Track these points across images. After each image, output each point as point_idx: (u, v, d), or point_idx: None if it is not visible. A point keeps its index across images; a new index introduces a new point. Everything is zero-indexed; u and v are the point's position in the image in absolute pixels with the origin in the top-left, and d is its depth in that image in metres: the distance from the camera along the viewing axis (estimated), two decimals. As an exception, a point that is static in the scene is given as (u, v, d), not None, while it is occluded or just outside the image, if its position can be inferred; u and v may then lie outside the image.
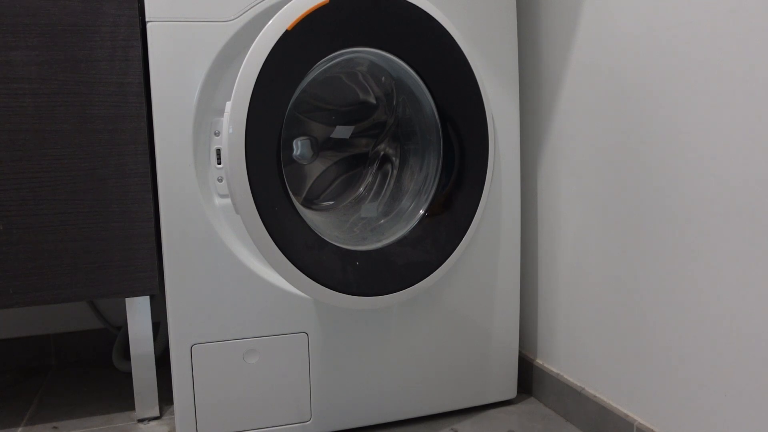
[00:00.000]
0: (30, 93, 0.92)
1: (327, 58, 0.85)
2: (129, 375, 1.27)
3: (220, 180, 0.91)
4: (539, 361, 1.10)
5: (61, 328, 1.38)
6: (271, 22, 0.80)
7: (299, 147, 1.01)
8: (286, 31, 0.81)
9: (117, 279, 0.98)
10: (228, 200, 0.91)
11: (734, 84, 0.69)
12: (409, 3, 0.88)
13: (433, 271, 0.93)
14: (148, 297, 1.03)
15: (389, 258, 0.90)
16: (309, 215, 0.95)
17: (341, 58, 0.91)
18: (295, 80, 0.82)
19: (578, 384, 1.00)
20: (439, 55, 0.91)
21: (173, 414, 1.06)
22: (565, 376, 1.03)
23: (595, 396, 0.96)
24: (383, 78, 1.00)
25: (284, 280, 0.88)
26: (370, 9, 0.86)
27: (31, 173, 0.93)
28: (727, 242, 0.71)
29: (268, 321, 0.93)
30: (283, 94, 0.82)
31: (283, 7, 0.82)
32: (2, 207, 0.93)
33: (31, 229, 0.94)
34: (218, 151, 0.91)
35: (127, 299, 1.03)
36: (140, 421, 1.05)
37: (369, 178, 1.05)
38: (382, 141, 1.04)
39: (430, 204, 0.95)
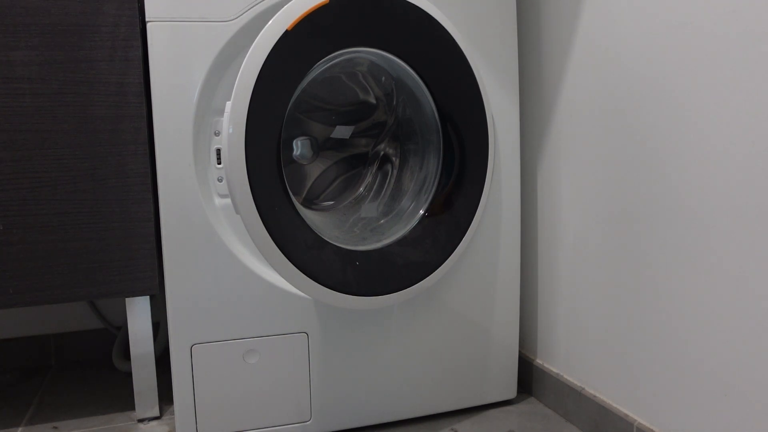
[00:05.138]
0: (30, 93, 0.92)
1: (327, 58, 0.85)
2: (129, 375, 1.27)
3: (220, 180, 0.91)
4: (539, 361, 1.10)
5: (61, 328, 1.38)
6: (271, 22, 0.80)
7: (299, 147, 1.01)
8: (286, 31, 0.81)
9: (117, 279, 0.98)
10: (228, 200, 0.91)
11: (737, 84, 0.69)
12: (409, 3, 0.88)
13: (433, 271, 0.93)
14: (148, 297, 1.03)
15: (389, 258, 0.90)
16: (309, 215, 0.95)
17: (341, 58, 0.91)
18: (295, 80, 0.82)
19: (578, 384, 1.00)
20: (439, 55, 0.91)
21: (173, 414, 1.06)
22: (565, 376, 1.03)
23: (595, 396, 0.96)
24: (383, 78, 1.00)
25: (284, 280, 0.88)
26: (370, 9, 0.86)
27: (31, 173, 0.93)
28: (726, 242, 0.71)
29: (268, 321, 0.93)
30: (283, 94, 0.82)
31: (283, 7, 0.82)
32: (2, 207, 0.93)
33: (31, 229, 0.94)
34: (218, 151, 0.91)
35: (127, 299, 1.03)
36: (140, 421, 1.05)
37: (369, 178, 1.05)
38: (382, 141, 1.04)
39: (430, 204, 0.95)
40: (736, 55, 0.68)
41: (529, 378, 1.12)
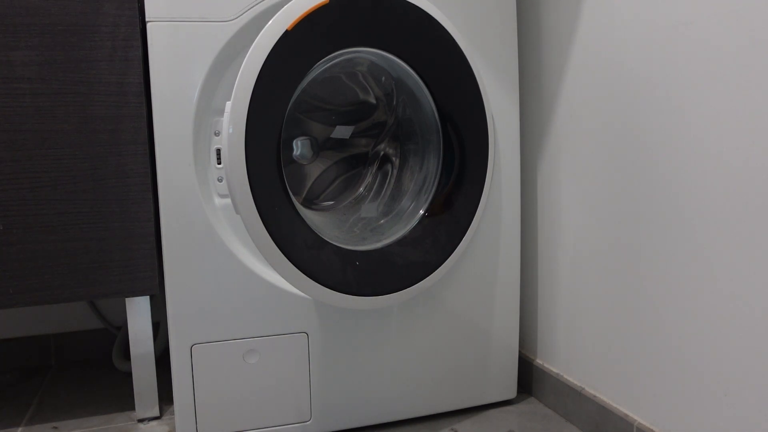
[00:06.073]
0: (30, 93, 0.92)
1: (327, 58, 0.85)
2: (129, 375, 1.27)
3: (220, 180, 0.91)
4: (539, 361, 1.10)
5: (61, 328, 1.38)
6: (271, 22, 0.80)
7: (299, 147, 1.01)
8: (286, 31, 0.81)
9: (117, 279, 0.98)
10: (228, 200, 0.91)
11: (736, 85, 0.69)
12: (409, 3, 0.88)
13: (433, 271, 0.93)
14: (148, 297, 1.03)
15: (389, 258, 0.90)
16: (309, 215, 0.95)
17: (341, 58, 0.91)
18: (295, 80, 0.82)
19: (578, 384, 1.00)
20: (439, 55, 0.91)
21: (173, 414, 1.06)
22: (565, 376, 1.03)
23: (595, 396, 0.96)
24: (383, 78, 1.00)
25: (284, 280, 0.88)
26: (370, 9, 0.86)
27: (31, 173, 0.93)
28: (727, 241, 0.71)
29: (268, 321, 0.93)
30: (283, 94, 0.82)
31: (283, 7, 0.82)
32: (2, 207, 0.93)
33: (31, 229, 0.94)
34: (218, 151, 0.91)
35: (127, 299, 1.03)
36: (140, 421, 1.05)
37: (369, 178, 1.05)
38: (382, 141, 1.04)
39: (430, 204, 0.95)
40: (736, 55, 0.68)
41: (529, 378, 1.12)
